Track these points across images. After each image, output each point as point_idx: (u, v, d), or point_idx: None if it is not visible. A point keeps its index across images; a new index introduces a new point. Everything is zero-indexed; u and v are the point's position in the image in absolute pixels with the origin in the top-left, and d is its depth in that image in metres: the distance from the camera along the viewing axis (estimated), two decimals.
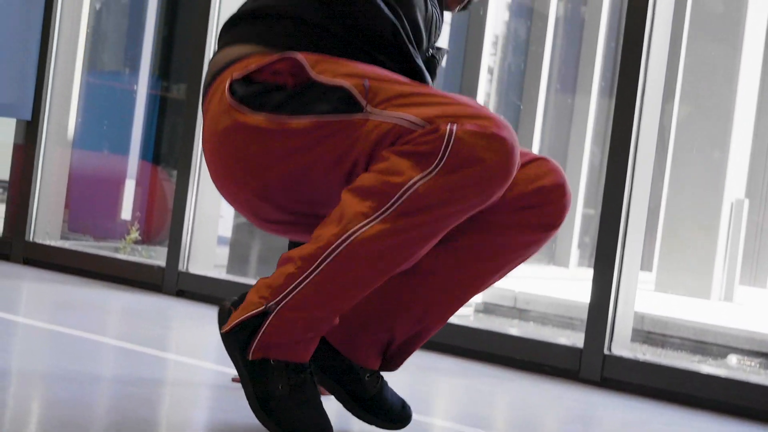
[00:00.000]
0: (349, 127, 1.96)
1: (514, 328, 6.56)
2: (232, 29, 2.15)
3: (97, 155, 6.37)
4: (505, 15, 11.16)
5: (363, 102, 1.96)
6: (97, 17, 5.81)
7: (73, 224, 5.81)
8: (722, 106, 9.60)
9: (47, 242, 4.80)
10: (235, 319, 2.04)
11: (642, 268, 3.86)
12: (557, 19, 10.83)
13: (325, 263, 1.97)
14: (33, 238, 4.81)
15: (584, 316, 3.58)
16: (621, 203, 3.53)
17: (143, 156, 6.60)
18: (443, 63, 2.37)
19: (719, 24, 9.66)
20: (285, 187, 2.05)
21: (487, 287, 2.26)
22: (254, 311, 2.01)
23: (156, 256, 5.66)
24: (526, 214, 2.15)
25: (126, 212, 6.33)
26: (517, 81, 11.00)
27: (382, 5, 2.09)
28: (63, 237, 5.10)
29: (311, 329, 2.04)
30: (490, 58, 10.85)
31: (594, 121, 11.18)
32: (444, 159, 1.91)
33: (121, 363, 2.96)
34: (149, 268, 4.49)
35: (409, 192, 1.93)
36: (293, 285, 1.99)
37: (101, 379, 2.66)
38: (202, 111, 2.15)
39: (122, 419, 2.22)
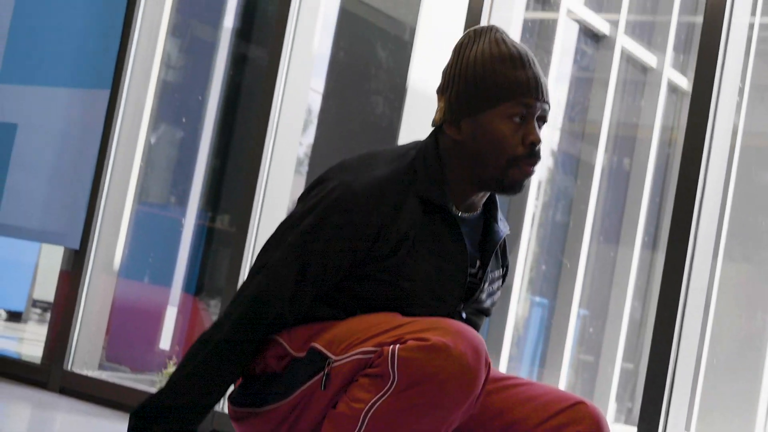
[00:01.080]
0: (316, 391, 2.04)
1: None
2: None
3: (140, 285, 6.39)
4: (550, 161, 11.24)
5: (329, 354, 2.03)
6: (151, 150, 5.89)
7: (111, 353, 5.80)
8: (765, 266, 9.54)
9: (85, 372, 4.77)
10: None
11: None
12: (603, 170, 10.88)
13: None
14: (71, 367, 4.79)
15: None
16: (667, 362, 3.47)
17: (186, 287, 6.62)
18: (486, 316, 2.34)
19: (765, 194, 9.69)
20: None
21: None
22: None
23: None
24: None
25: (165, 342, 6.32)
26: (561, 232, 11.01)
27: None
28: (100, 366, 5.08)
29: None
30: (533, 203, 10.88)
31: (636, 275, 11.12)
32: (395, 380, 1.94)
33: None
34: None
35: (370, 413, 1.96)
36: None
37: None
38: None
39: None
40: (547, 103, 2.15)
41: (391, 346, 1.94)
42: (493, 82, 2.11)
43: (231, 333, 2.08)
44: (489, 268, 2.25)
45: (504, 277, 2.36)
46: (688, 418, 9.92)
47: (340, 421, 1.99)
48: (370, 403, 1.96)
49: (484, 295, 2.27)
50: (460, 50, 2.16)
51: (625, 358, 11.26)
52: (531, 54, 2.17)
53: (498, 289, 2.33)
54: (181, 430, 2.07)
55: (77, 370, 4.76)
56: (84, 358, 4.82)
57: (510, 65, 2.11)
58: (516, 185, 2.14)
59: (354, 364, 2.00)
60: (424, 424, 1.97)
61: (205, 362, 2.07)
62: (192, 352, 2.12)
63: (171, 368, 5.87)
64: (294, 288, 2.08)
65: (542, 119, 2.16)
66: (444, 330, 1.95)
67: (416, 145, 2.20)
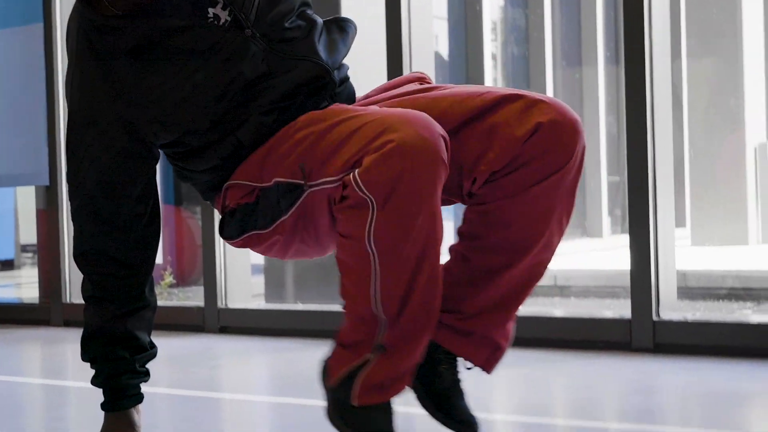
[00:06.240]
0: (305, 208, 2.06)
1: (557, 308, 6.53)
2: None
3: None
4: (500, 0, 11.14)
5: (301, 182, 2.04)
6: None
7: None
8: (730, 55, 9.54)
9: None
10: (337, 373, 2.10)
11: (676, 225, 3.83)
12: None
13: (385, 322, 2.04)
14: (70, 300, 4.83)
15: (626, 283, 3.56)
16: (646, 167, 3.51)
17: (165, 199, 6.62)
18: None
19: None
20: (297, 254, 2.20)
21: (547, 243, 2.21)
22: (351, 366, 2.08)
23: (193, 297, 5.68)
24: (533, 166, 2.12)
25: (157, 257, 6.35)
26: (522, 64, 10.97)
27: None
28: None
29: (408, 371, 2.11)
30: (491, 45, 10.82)
31: (605, 91, 11.13)
32: (373, 200, 1.95)
33: (180, 412, 2.96)
34: (189, 310, 4.50)
35: (372, 241, 1.98)
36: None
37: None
38: None
39: None
40: None
41: (351, 175, 1.95)
42: None
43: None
44: None
45: None
46: (682, 213, 10.06)
47: (351, 266, 2.02)
48: (366, 234, 1.97)
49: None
50: None
51: (609, 172, 11.36)
52: None
53: None
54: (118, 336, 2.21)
55: (77, 301, 4.80)
56: (79, 287, 4.84)
57: None
58: None
59: (325, 195, 2.01)
60: (422, 214, 1.98)
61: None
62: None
63: (168, 278, 5.92)
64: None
65: None
66: (390, 128, 1.95)
67: None
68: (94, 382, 2.23)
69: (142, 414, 2.26)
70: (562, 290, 8.04)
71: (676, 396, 2.92)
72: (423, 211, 1.97)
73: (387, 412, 2.09)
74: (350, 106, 2.17)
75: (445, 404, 2.27)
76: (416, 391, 2.28)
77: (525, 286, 2.25)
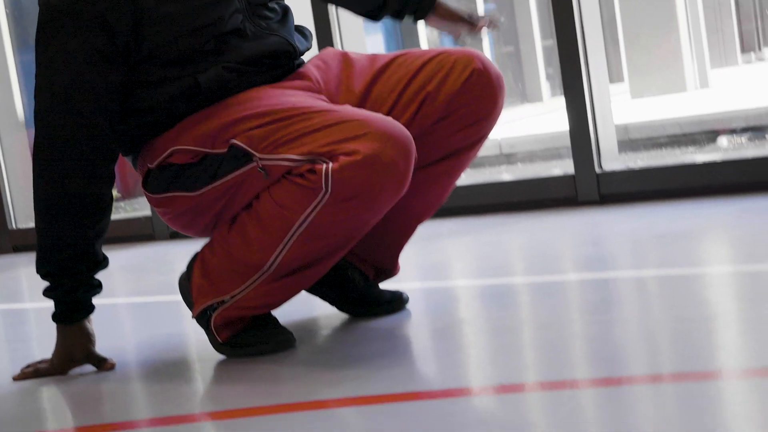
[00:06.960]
0: (248, 177, 2.07)
1: (504, 175, 6.57)
2: None
3: None
4: None
5: (252, 151, 2.06)
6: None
7: None
8: None
9: (31, 225, 4.77)
10: (199, 306, 2.19)
11: (613, 81, 3.86)
12: None
13: (265, 275, 2.11)
14: (16, 225, 4.79)
15: (569, 143, 3.59)
16: (573, 26, 3.51)
17: None
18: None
19: None
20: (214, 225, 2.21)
21: (449, 185, 2.33)
22: (210, 302, 2.17)
23: (140, 208, 5.65)
24: (459, 115, 2.22)
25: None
26: None
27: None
28: None
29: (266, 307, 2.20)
30: None
31: None
32: (328, 194, 1.99)
33: (140, 318, 2.97)
34: (137, 220, 4.48)
35: (304, 224, 2.03)
36: (237, 291, 2.14)
37: (128, 339, 2.66)
38: None
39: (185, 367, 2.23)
40: None
41: (325, 166, 1.97)
42: None
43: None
44: None
45: None
46: (618, 68, 10.11)
47: (270, 224, 2.06)
48: (303, 215, 2.01)
49: None
50: None
51: (543, 37, 11.36)
52: None
53: None
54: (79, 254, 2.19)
55: (23, 225, 4.77)
56: (26, 212, 4.81)
57: None
58: None
59: (280, 168, 2.03)
60: (354, 226, 2.06)
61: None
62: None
63: (115, 194, 5.88)
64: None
65: None
66: (372, 135, 1.98)
67: None
68: (48, 294, 2.22)
69: (93, 322, 2.26)
70: (508, 158, 8.09)
71: (626, 242, 2.96)
72: (365, 220, 2.05)
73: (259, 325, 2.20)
74: (326, 103, 2.18)
75: (368, 299, 2.37)
76: (335, 303, 2.38)
77: (418, 223, 2.36)
